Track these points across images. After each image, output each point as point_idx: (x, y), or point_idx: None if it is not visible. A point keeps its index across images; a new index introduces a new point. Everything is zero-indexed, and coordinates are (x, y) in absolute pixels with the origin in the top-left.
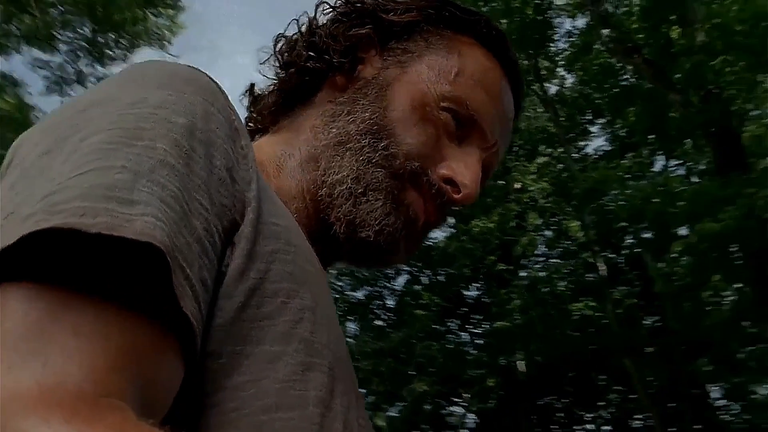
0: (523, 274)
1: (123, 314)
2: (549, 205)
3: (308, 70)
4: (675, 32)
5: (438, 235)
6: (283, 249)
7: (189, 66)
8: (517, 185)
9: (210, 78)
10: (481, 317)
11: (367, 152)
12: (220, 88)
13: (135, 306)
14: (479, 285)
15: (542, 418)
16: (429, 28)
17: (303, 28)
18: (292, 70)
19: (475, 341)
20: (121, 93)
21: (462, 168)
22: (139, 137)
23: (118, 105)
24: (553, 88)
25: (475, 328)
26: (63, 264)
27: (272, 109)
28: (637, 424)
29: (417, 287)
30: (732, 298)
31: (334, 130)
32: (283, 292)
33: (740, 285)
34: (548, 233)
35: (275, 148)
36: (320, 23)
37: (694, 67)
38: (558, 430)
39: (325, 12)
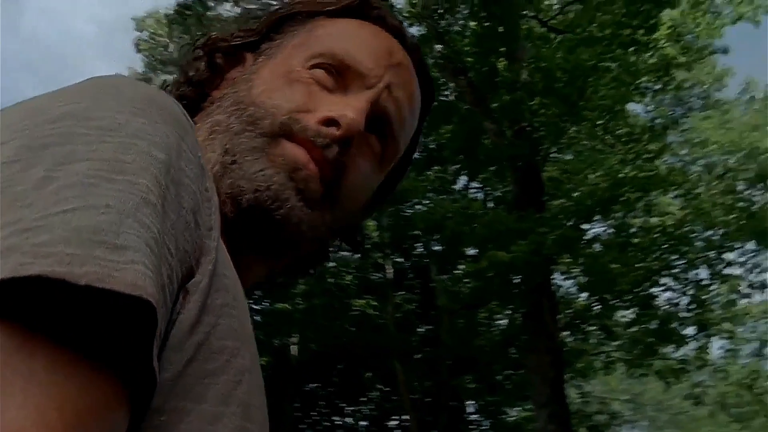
0: None
1: (84, 364)
2: None
3: (185, 98)
4: (501, 64)
5: None
6: (230, 303)
7: (161, 91)
8: None
9: (179, 107)
10: (262, 295)
11: (233, 126)
12: (188, 119)
13: (98, 356)
14: None
15: (306, 403)
16: (290, 23)
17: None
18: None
19: (254, 317)
20: (96, 111)
21: (340, 105)
22: (120, 170)
23: (94, 126)
24: None
25: (255, 305)
26: (31, 303)
27: None
28: (393, 424)
29: None
30: (503, 322)
31: (207, 125)
32: (228, 350)
33: (512, 314)
34: None
35: None
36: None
37: (514, 101)
38: (317, 418)
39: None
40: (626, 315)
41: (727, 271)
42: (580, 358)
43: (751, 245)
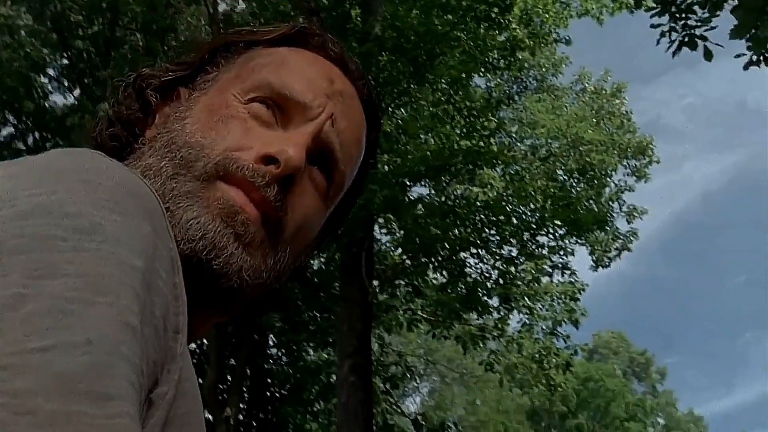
0: None
1: None
2: None
3: (117, 138)
4: (355, 12)
5: None
6: (191, 410)
7: (133, 174)
8: None
9: (150, 190)
10: None
11: (166, 170)
12: (159, 202)
13: None
14: None
15: None
16: (226, 54)
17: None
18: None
19: None
20: (72, 206)
21: (280, 141)
22: (100, 290)
23: (70, 227)
24: (223, 6)
25: None
26: None
27: None
28: (190, 349)
29: None
30: (317, 262)
31: (138, 170)
32: None
33: (327, 260)
34: None
35: None
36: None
37: (363, 53)
38: None
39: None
40: (437, 278)
41: (536, 251)
42: (389, 312)
43: (560, 228)
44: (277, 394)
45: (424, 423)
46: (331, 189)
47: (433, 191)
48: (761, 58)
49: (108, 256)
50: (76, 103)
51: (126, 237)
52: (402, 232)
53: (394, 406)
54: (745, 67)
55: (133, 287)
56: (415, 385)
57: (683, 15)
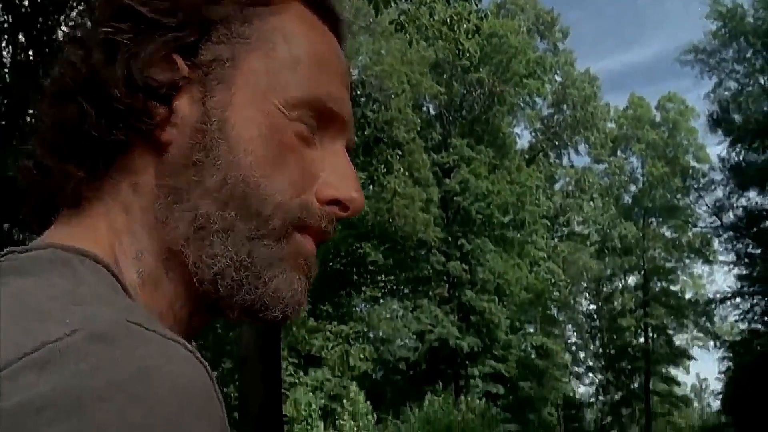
0: None
1: None
2: None
3: (104, 144)
4: None
5: None
6: None
7: (190, 363)
8: None
9: (212, 382)
10: None
11: (240, 227)
12: (220, 401)
13: None
14: None
15: None
16: (222, 11)
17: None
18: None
19: None
20: None
21: (339, 180)
22: None
23: None
24: None
25: None
26: None
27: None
28: None
29: None
30: None
31: (186, 213)
32: None
33: None
34: None
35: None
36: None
37: None
38: None
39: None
40: None
41: None
42: None
43: None
44: None
45: None
46: None
47: None
48: None
49: None
50: None
51: None
52: None
53: None
54: None
55: None
56: None
57: None
